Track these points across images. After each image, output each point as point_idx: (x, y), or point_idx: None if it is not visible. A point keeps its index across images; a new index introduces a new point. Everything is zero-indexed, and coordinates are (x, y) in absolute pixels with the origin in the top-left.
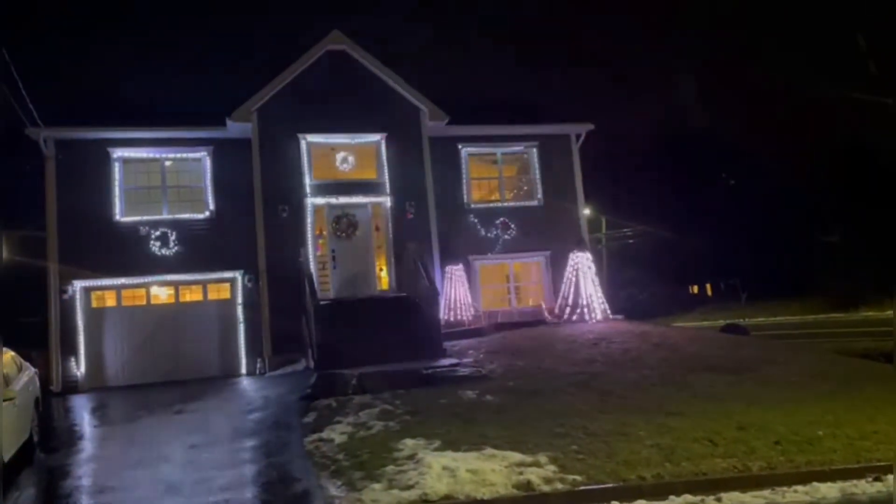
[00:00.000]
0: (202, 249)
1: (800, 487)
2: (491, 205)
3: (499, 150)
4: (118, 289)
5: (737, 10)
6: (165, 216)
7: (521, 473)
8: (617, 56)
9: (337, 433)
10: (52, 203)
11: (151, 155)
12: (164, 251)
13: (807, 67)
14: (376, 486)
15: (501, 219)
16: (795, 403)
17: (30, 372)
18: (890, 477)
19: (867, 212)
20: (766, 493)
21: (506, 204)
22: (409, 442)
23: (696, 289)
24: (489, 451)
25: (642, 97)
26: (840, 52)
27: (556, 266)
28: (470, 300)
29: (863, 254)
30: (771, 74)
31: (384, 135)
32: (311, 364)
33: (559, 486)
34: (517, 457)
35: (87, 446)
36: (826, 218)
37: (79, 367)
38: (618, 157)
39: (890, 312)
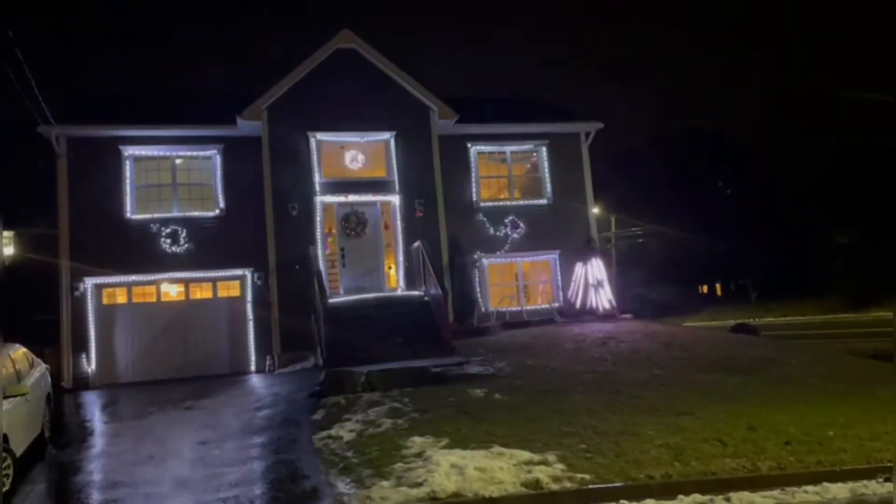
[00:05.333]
0: (212, 247)
1: (810, 488)
2: (500, 203)
3: (508, 149)
4: (129, 286)
5: (743, 12)
6: (176, 214)
7: (529, 472)
8: (626, 54)
9: (346, 430)
10: (63, 200)
11: (162, 153)
12: (174, 248)
13: (816, 67)
14: (385, 483)
15: (510, 217)
16: (806, 404)
17: (41, 368)
18: None
19: (879, 212)
20: (776, 493)
21: (515, 202)
22: (417, 440)
23: (705, 288)
24: (497, 449)
25: (652, 96)
26: (849, 53)
27: (565, 265)
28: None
29: (874, 254)
30: (783, 74)
31: (394, 133)
32: (321, 361)
33: (568, 484)
34: (526, 455)
35: (98, 442)
36: (837, 218)
37: (90, 364)
38: (628, 156)
39: None
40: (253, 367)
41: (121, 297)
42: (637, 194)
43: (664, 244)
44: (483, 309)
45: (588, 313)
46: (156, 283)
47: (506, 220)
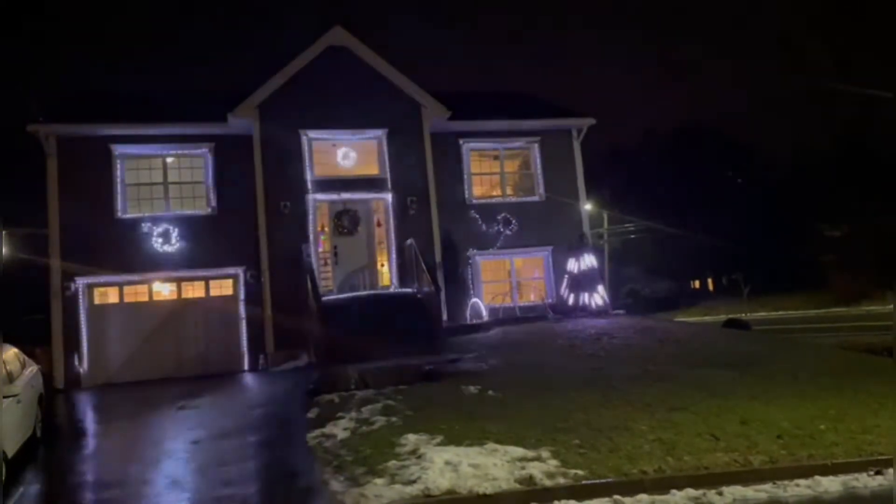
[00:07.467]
0: (204, 246)
1: (802, 481)
2: (492, 200)
3: (500, 146)
4: (120, 285)
5: (740, 6)
6: (167, 213)
7: (523, 468)
8: (620, 51)
9: (339, 428)
10: (53, 200)
11: (153, 151)
12: (166, 248)
13: (811, 62)
14: (379, 480)
15: (503, 214)
16: (798, 398)
17: (33, 368)
18: (891, 471)
19: (871, 206)
20: (768, 486)
21: (507, 199)
22: (411, 437)
23: (698, 283)
24: (491, 445)
25: (645, 92)
26: (843, 48)
27: (558, 261)
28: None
29: (866, 248)
30: (775, 69)
31: (385, 130)
32: (314, 360)
33: (561, 480)
34: (519, 451)
35: (91, 442)
36: (830, 212)
37: (82, 364)
38: (620, 152)
39: (892, 307)
40: (246, 366)
41: (112, 297)
42: (629, 190)
43: (656, 240)
44: (476, 306)
45: (581, 309)
46: (147, 282)
47: (498, 217)
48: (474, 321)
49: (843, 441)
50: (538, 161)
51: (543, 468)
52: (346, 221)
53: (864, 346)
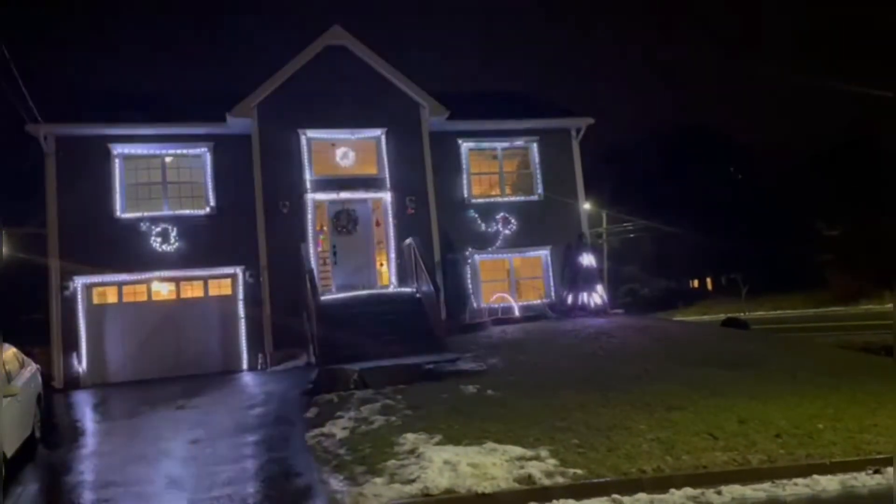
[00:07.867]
0: (203, 245)
1: (800, 480)
2: (491, 200)
3: (499, 145)
4: (119, 285)
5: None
6: (166, 212)
7: (522, 467)
8: (617, 50)
9: (338, 428)
10: (52, 200)
11: (152, 151)
12: (164, 247)
13: (808, 59)
14: (378, 480)
15: (502, 213)
16: (796, 397)
17: (32, 368)
18: (890, 469)
19: (868, 205)
20: (767, 485)
21: (506, 199)
22: (410, 436)
23: (696, 283)
24: (490, 445)
25: (643, 91)
26: (839, 44)
27: (557, 261)
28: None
29: (864, 247)
30: (772, 66)
31: (384, 130)
32: (313, 359)
33: (560, 479)
34: (518, 451)
35: (90, 442)
36: (828, 212)
37: (80, 364)
38: (618, 151)
39: (891, 306)
40: (245, 366)
41: (111, 297)
42: (629, 190)
43: (655, 239)
44: (475, 305)
45: (580, 309)
46: (146, 282)
47: (497, 217)
48: (473, 320)
49: (841, 440)
50: (537, 160)
51: (542, 467)
52: (345, 221)
53: (863, 345)
